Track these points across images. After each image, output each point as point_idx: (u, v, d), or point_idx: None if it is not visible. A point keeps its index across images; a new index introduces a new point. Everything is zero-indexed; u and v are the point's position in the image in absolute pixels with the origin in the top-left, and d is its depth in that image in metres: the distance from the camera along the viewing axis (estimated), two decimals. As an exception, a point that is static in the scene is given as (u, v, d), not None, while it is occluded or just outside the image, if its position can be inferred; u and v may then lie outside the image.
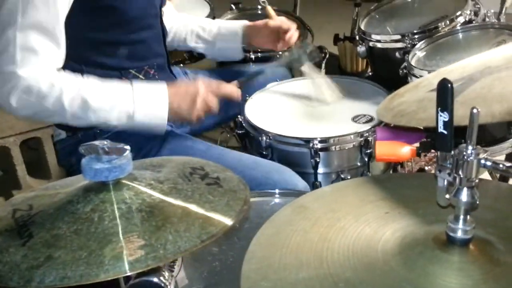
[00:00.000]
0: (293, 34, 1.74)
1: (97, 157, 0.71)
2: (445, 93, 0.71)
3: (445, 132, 0.73)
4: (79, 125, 1.36)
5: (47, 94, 1.27)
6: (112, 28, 1.41)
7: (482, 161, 0.73)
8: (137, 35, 1.47)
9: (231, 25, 1.82)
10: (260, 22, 1.77)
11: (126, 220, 0.71)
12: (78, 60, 1.38)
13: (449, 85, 0.71)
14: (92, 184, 0.74)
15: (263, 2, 2.10)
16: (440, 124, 0.73)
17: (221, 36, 1.80)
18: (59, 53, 1.32)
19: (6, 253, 0.71)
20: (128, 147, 0.73)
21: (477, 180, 0.73)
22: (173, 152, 1.46)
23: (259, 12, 2.25)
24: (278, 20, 1.77)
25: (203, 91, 1.41)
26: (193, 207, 0.76)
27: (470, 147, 0.72)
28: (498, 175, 1.92)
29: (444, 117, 0.73)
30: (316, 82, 1.72)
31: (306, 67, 1.76)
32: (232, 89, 1.49)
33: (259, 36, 1.77)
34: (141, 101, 1.35)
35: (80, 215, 0.72)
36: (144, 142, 1.45)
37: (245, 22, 1.81)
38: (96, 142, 0.71)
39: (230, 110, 1.69)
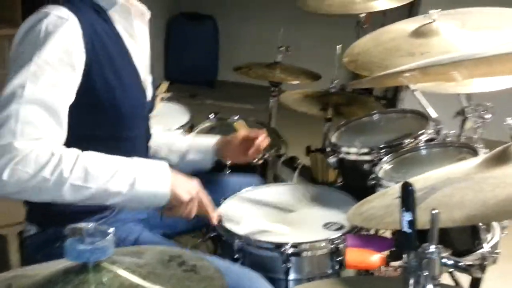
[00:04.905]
0: (263, 139, 1.79)
1: (81, 238, 0.74)
2: (407, 194, 0.79)
3: (409, 231, 0.79)
4: (74, 200, 1.28)
5: (46, 163, 1.22)
6: (101, 124, 1.46)
7: (444, 260, 0.78)
8: (125, 133, 1.52)
9: (204, 140, 1.87)
10: (229, 136, 1.83)
11: (104, 301, 0.72)
12: None
13: (410, 187, 0.78)
14: (72, 266, 0.76)
15: (236, 117, 2.21)
16: (404, 224, 0.80)
17: (192, 149, 1.83)
18: (61, 133, 1.31)
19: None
20: (112, 229, 0.76)
21: (440, 278, 0.78)
22: None
23: (236, 122, 2.36)
24: (246, 132, 1.85)
25: (199, 193, 1.43)
26: (170, 292, 0.77)
27: (432, 246, 0.78)
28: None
29: (407, 217, 0.79)
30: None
31: (281, 171, 1.84)
32: (214, 215, 1.51)
33: (231, 150, 1.81)
34: (143, 168, 1.35)
35: (60, 294, 0.73)
36: (117, 241, 1.45)
37: (218, 137, 1.86)
38: (82, 224, 0.74)
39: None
